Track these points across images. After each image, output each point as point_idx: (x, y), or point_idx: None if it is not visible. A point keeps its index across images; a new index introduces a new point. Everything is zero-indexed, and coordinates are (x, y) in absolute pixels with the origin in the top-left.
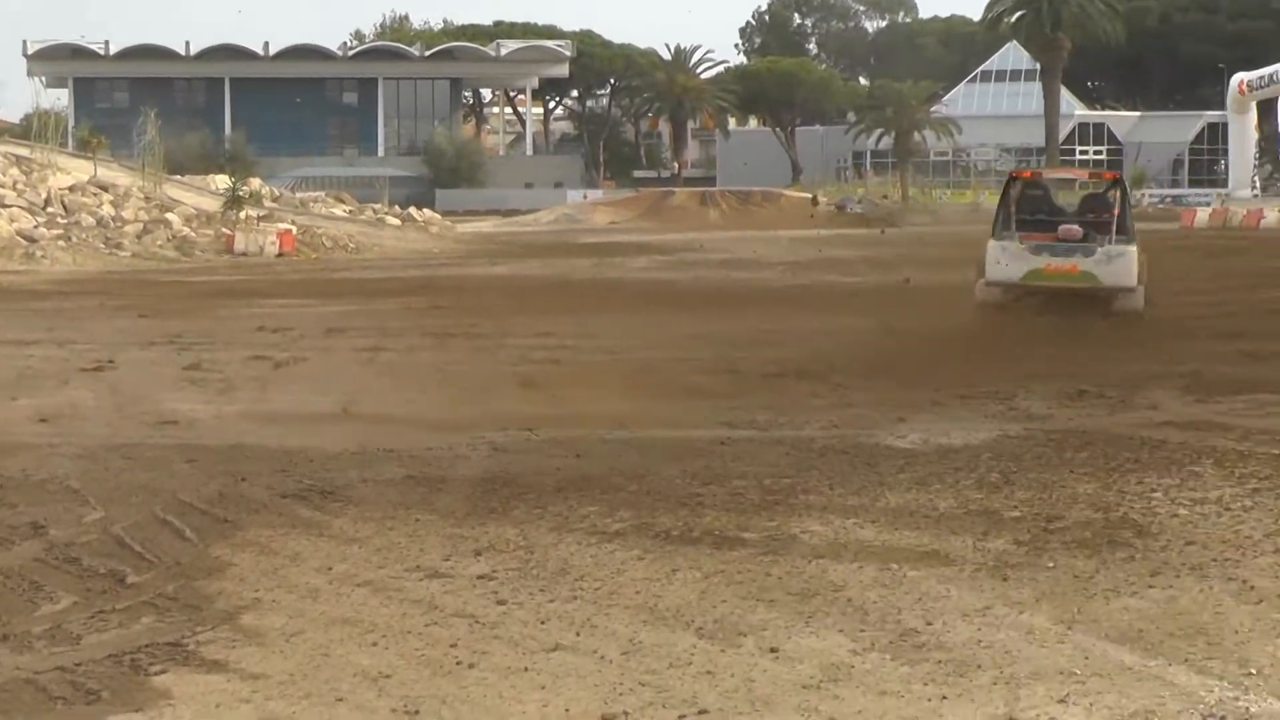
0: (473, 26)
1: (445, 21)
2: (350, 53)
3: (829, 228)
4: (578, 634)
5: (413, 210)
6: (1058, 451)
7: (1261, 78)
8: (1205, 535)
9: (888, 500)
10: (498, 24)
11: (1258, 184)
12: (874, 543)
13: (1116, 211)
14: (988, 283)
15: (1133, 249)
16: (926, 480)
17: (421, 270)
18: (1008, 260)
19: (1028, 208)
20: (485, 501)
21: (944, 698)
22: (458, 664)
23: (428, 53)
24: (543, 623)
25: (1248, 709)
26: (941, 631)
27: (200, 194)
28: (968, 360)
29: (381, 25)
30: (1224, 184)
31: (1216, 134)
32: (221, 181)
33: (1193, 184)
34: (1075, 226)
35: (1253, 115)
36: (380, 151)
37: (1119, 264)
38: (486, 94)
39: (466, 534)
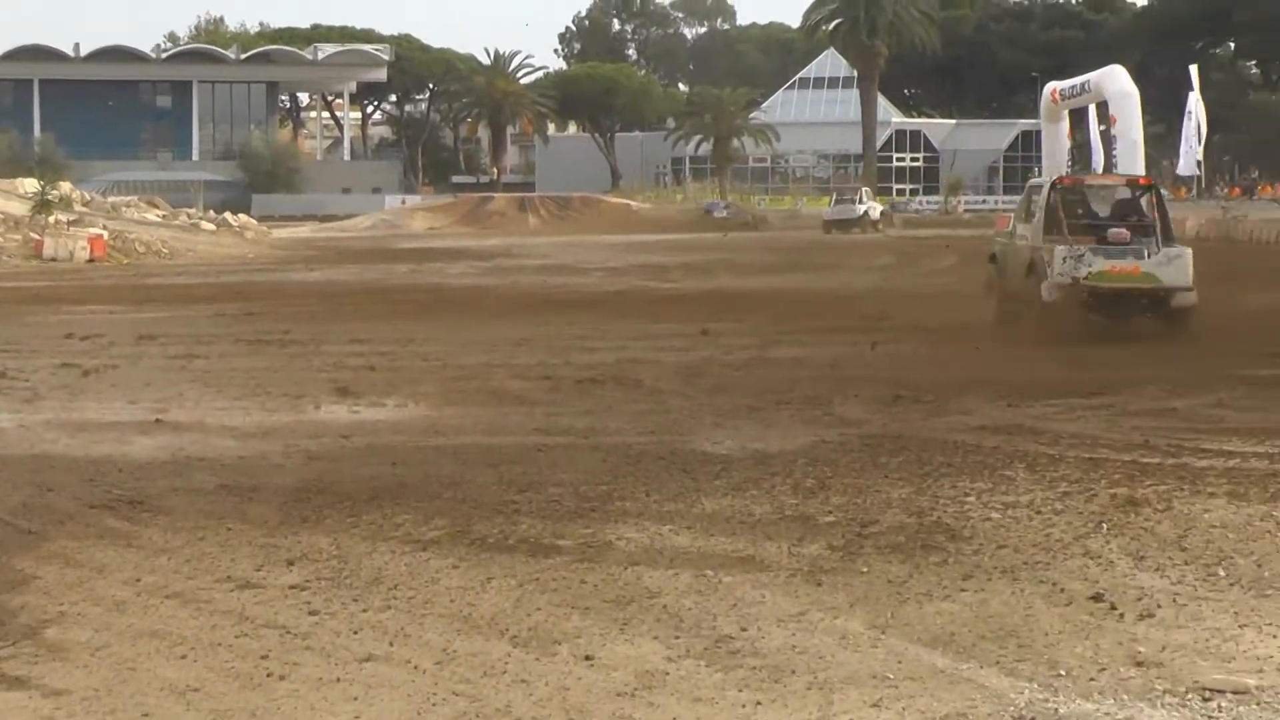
0: (289, 30)
1: (261, 25)
2: (164, 55)
3: (654, 232)
4: (391, 644)
5: (228, 215)
6: (873, 457)
7: (1073, 86)
8: (1017, 539)
9: (704, 506)
10: (315, 27)
11: None
12: (689, 549)
13: (1157, 215)
14: (1056, 285)
15: (1189, 251)
16: (742, 486)
17: (236, 276)
18: (1074, 262)
19: (1071, 213)
20: (299, 510)
21: (758, 703)
22: (268, 676)
23: (243, 56)
24: (355, 633)
25: (1057, 710)
26: (756, 637)
27: (7, 198)
28: (783, 365)
29: (196, 28)
30: None
31: (1030, 141)
32: (30, 185)
33: (1008, 191)
34: (1124, 230)
35: (1065, 123)
36: (195, 156)
37: (1178, 265)
38: (304, 98)
39: (279, 543)
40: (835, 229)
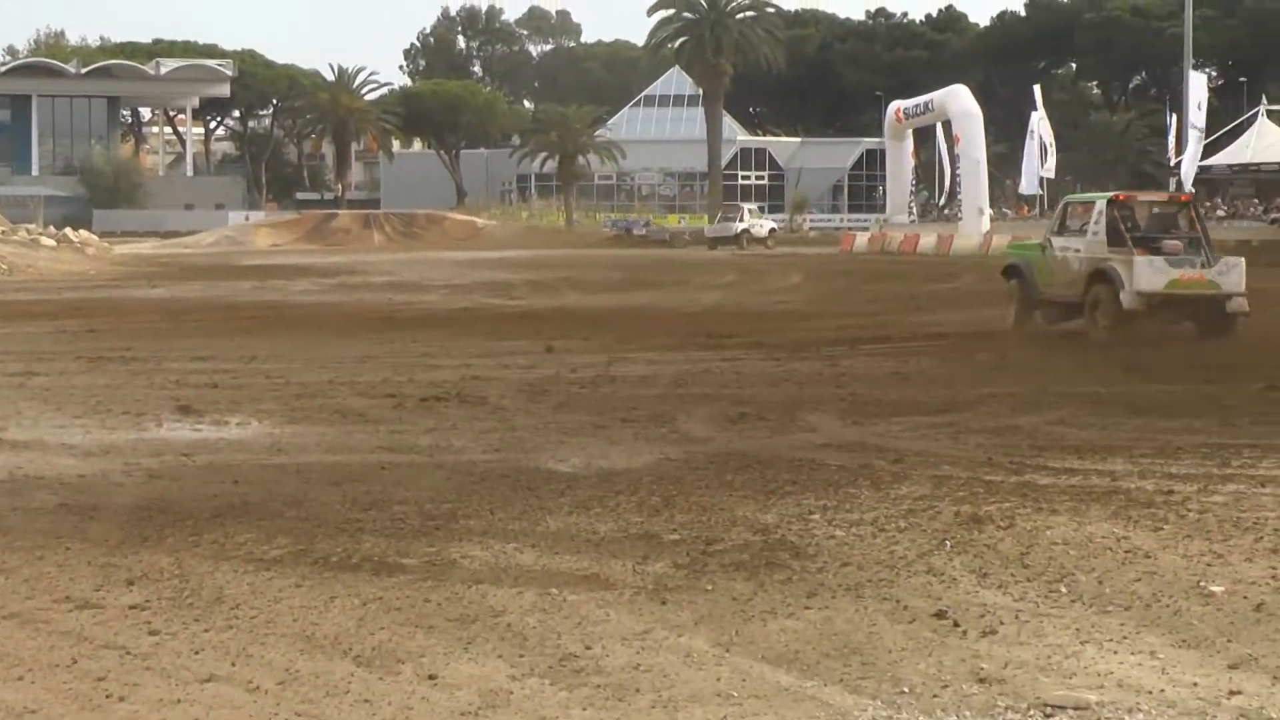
0: (131, 44)
1: (103, 39)
2: (2, 68)
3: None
4: (233, 664)
5: (69, 231)
6: (718, 474)
7: (917, 106)
8: (861, 556)
9: (548, 524)
10: (157, 42)
11: (914, 209)
12: (534, 567)
13: (1200, 228)
14: (1138, 292)
15: (1243, 261)
16: (587, 504)
17: (77, 292)
18: (1152, 273)
19: (1130, 228)
20: (139, 529)
21: None
22: (107, 697)
23: (84, 70)
24: (196, 653)
25: None
26: (600, 655)
27: None
28: (628, 382)
29: (36, 41)
30: (882, 209)
31: (875, 160)
32: None
33: (852, 209)
34: (1177, 242)
35: (909, 142)
36: (34, 171)
37: (1235, 273)
38: (146, 113)
39: (119, 563)
40: (719, 245)
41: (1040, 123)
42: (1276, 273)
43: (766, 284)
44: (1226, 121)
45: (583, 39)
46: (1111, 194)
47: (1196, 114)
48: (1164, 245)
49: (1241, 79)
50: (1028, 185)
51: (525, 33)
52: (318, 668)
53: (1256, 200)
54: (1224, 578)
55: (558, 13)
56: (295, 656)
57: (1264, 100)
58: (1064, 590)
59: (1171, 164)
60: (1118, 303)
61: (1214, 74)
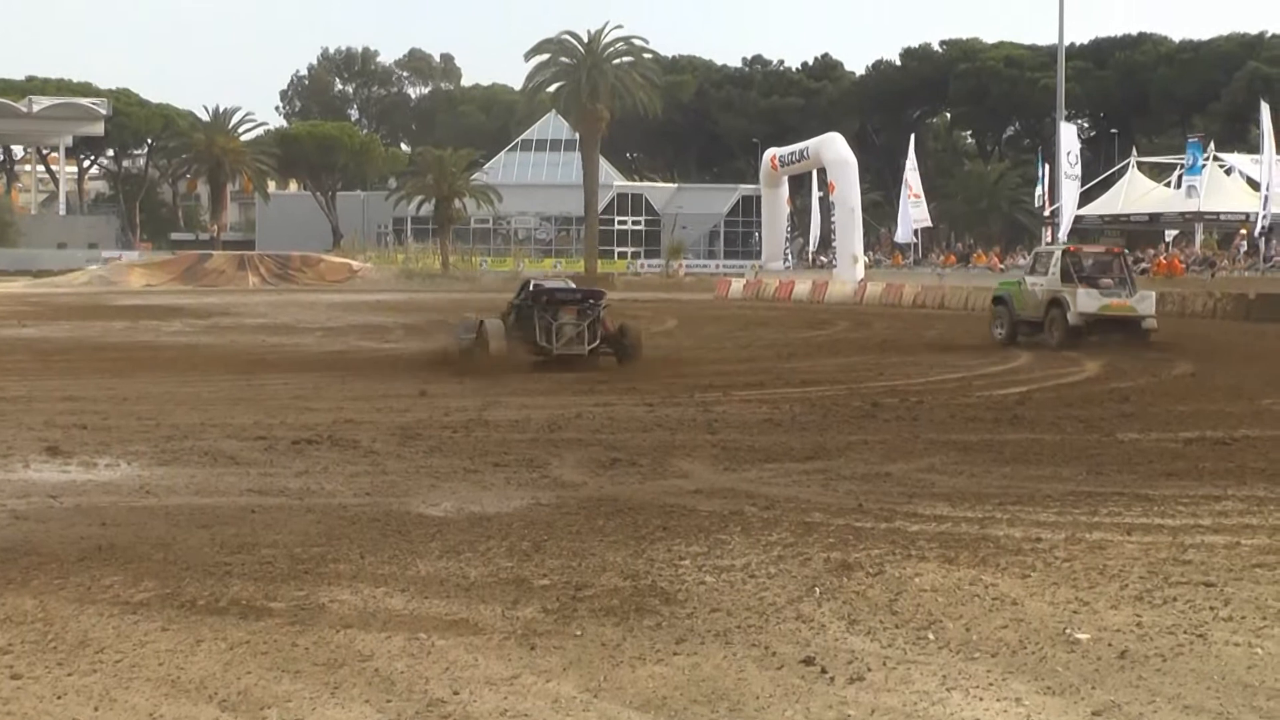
0: (4, 81)
1: None
2: None
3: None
4: (96, 708)
5: None
6: (589, 519)
7: (792, 153)
8: (730, 602)
9: (418, 569)
10: (30, 79)
11: (790, 256)
12: (403, 611)
13: (1127, 271)
14: (1080, 313)
15: (1154, 293)
16: (458, 548)
17: None
18: (1089, 300)
19: (1077, 269)
20: (3, 572)
21: None
22: None
23: None
24: (59, 697)
25: None
26: (468, 701)
27: None
28: (500, 427)
29: None
30: (758, 255)
31: (751, 206)
32: None
33: (728, 255)
34: (1109, 279)
35: (785, 189)
36: None
37: (1148, 301)
38: (18, 151)
39: None
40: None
41: (910, 173)
42: None
43: (641, 329)
44: (1098, 172)
45: (462, 81)
46: (1066, 246)
47: (1070, 164)
48: (1099, 282)
49: (1113, 130)
50: (903, 234)
51: (406, 75)
52: (182, 712)
53: (1127, 250)
54: (1089, 625)
55: (441, 56)
56: (160, 701)
57: (1134, 152)
58: (931, 637)
59: (1045, 213)
60: (1066, 320)
61: (1086, 125)
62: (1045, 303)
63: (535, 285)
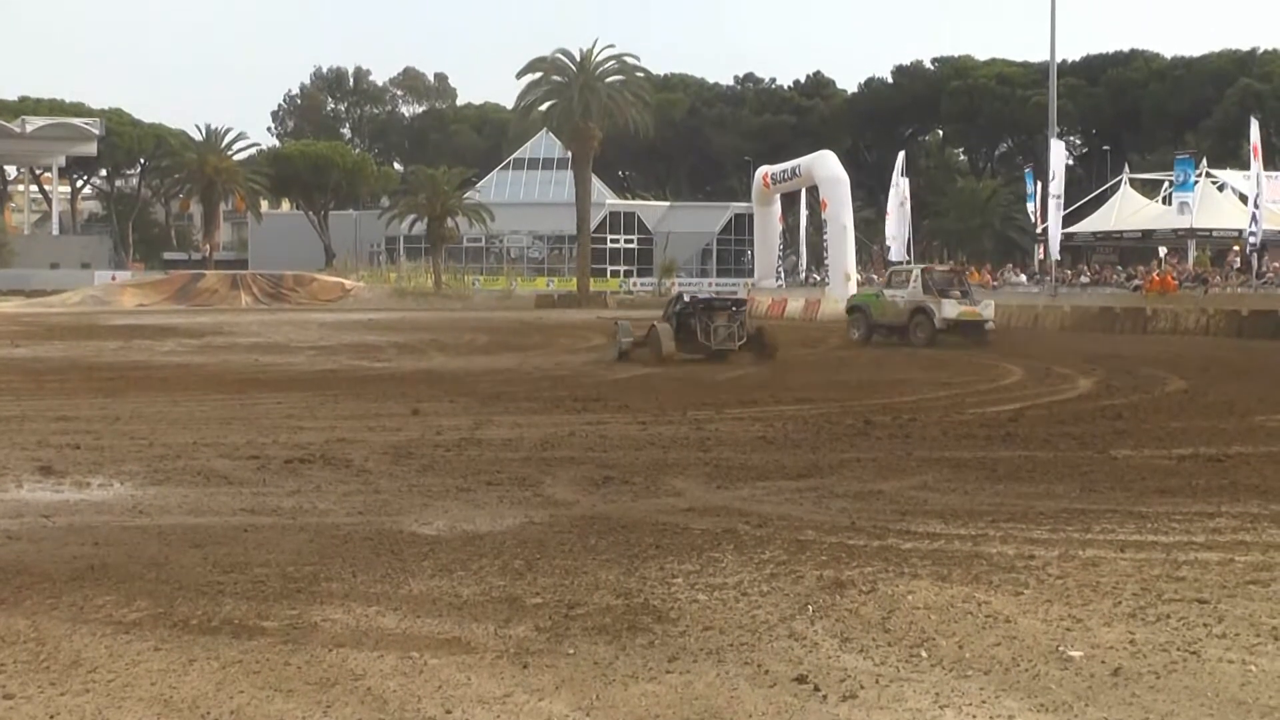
0: None
1: None
2: None
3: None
4: None
5: None
6: (581, 538)
7: (784, 171)
8: (723, 620)
9: (411, 588)
10: (23, 99)
11: (782, 274)
12: (395, 630)
13: (969, 283)
14: (944, 318)
15: (993, 301)
16: (450, 567)
17: None
18: (951, 307)
19: (934, 282)
20: None
21: None
22: None
23: None
24: (52, 717)
25: None
26: (461, 719)
27: None
28: (493, 445)
29: None
30: (751, 273)
31: (744, 224)
32: None
33: (720, 273)
34: (959, 291)
35: (777, 207)
36: None
37: (990, 308)
38: (11, 171)
39: None
40: None
41: (894, 188)
42: (1134, 340)
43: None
44: (1090, 189)
45: (456, 101)
46: (923, 265)
47: (1054, 183)
48: (950, 293)
49: (1105, 147)
50: (896, 251)
51: (399, 94)
52: None
53: (1120, 267)
54: (1083, 642)
55: (435, 75)
56: None
57: (1126, 168)
58: (924, 655)
59: (1038, 230)
60: (932, 324)
61: (1078, 142)
62: (909, 310)
63: (692, 296)
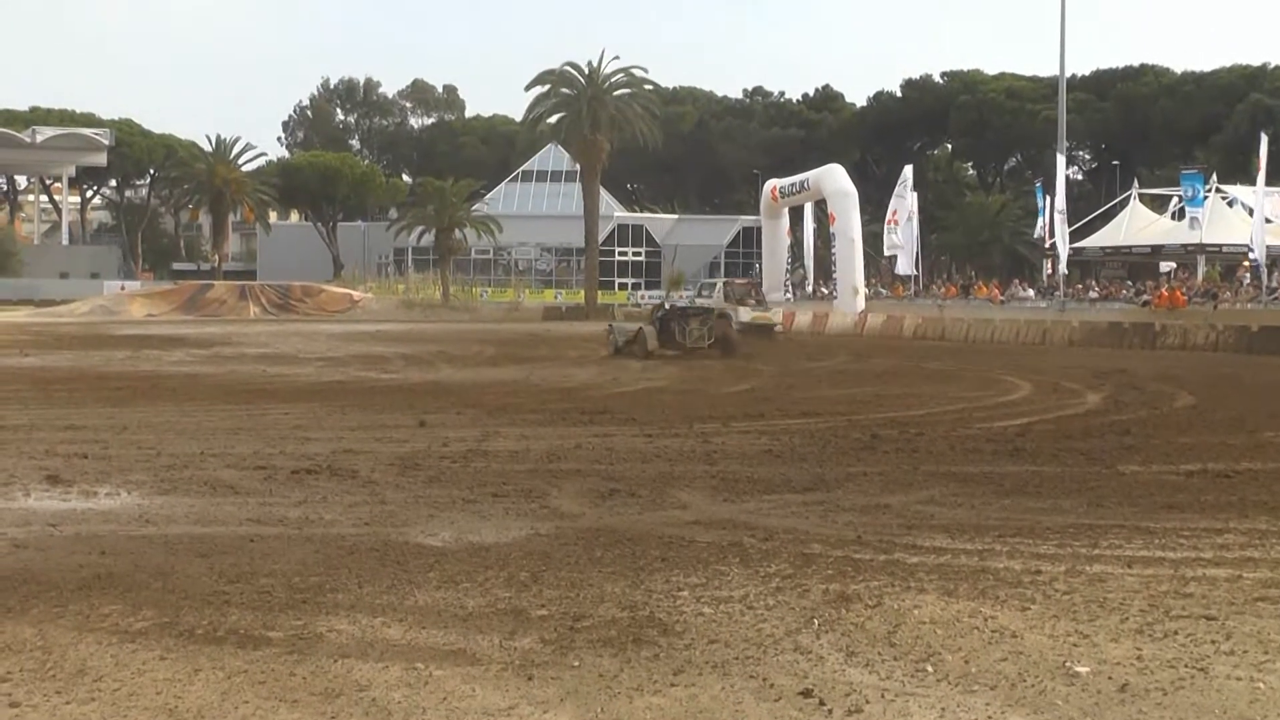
0: (7, 111)
1: None
2: None
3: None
4: None
5: None
6: (587, 550)
7: (793, 184)
8: (728, 633)
9: (416, 599)
10: (33, 109)
11: (790, 287)
12: (401, 641)
13: (760, 294)
14: (742, 322)
15: (780, 309)
16: (456, 578)
17: None
18: (747, 312)
19: (733, 293)
20: (2, 600)
21: None
22: None
23: None
24: None
25: None
26: None
27: None
28: (499, 457)
29: None
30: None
31: (752, 237)
32: None
33: None
34: (752, 300)
35: (785, 220)
36: None
37: (779, 314)
38: (22, 181)
39: None
40: None
41: (897, 199)
42: (1143, 355)
43: (641, 361)
44: (1099, 204)
45: (465, 113)
46: (724, 279)
47: (1058, 197)
48: (747, 301)
49: (1114, 162)
50: (905, 265)
51: (408, 105)
52: None
53: (1129, 282)
54: (1089, 658)
55: (445, 87)
56: None
57: (1136, 183)
58: (930, 669)
59: (1046, 245)
60: (732, 327)
61: (1088, 157)
62: (715, 316)
63: (671, 305)
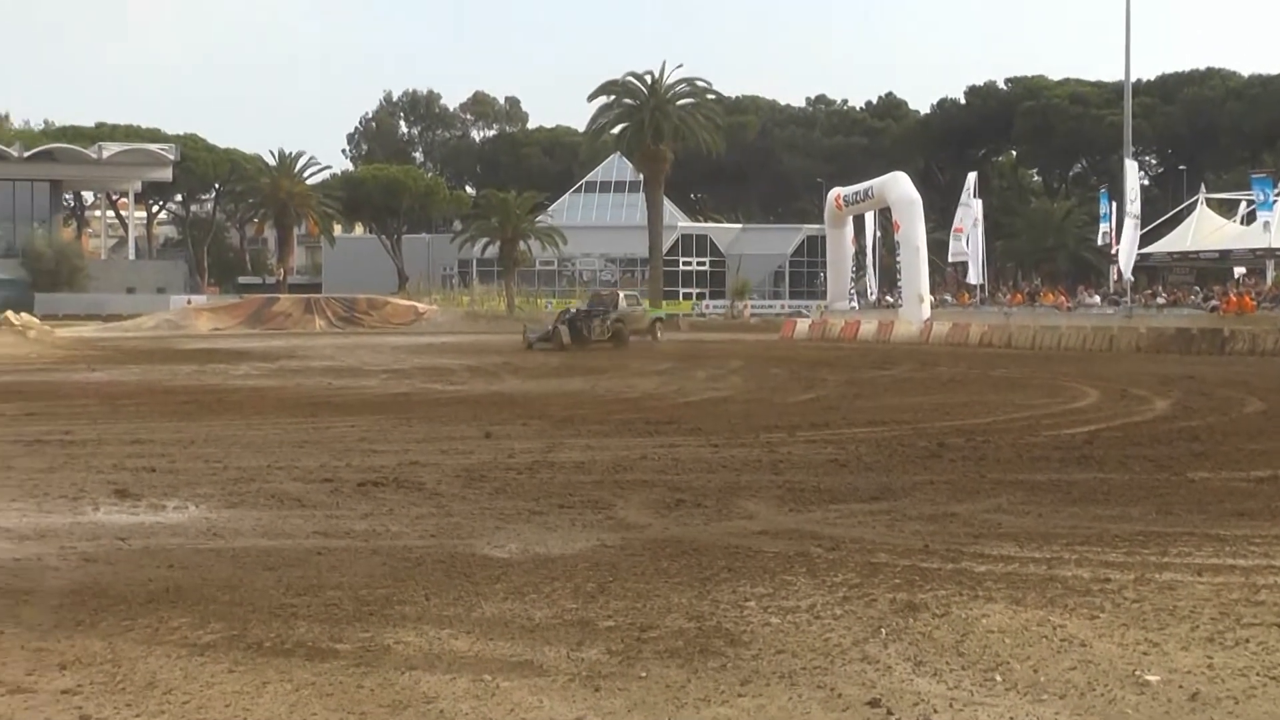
0: (74, 128)
1: (46, 122)
2: None
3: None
4: None
5: (10, 315)
6: (653, 561)
7: (857, 192)
8: (796, 643)
9: (483, 610)
10: (100, 125)
11: (855, 296)
12: (468, 653)
13: (640, 301)
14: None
15: (658, 314)
16: (522, 590)
17: (16, 375)
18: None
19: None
20: (73, 614)
21: None
22: None
23: (27, 154)
24: None
25: None
26: None
27: None
28: (565, 468)
29: None
30: (824, 295)
31: (816, 246)
32: None
33: (794, 295)
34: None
35: (849, 229)
36: None
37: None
38: (88, 196)
39: (52, 647)
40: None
41: (962, 208)
42: (1211, 361)
43: (705, 371)
44: (1166, 209)
45: (527, 125)
46: (593, 290)
47: (1130, 203)
48: (608, 309)
49: (1181, 167)
50: (974, 274)
51: (470, 118)
52: None
53: (1197, 288)
54: (1159, 667)
55: (506, 99)
56: None
57: (1203, 188)
58: (998, 679)
59: (1112, 251)
60: (624, 327)
61: (1154, 161)
62: (612, 318)
63: (578, 309)
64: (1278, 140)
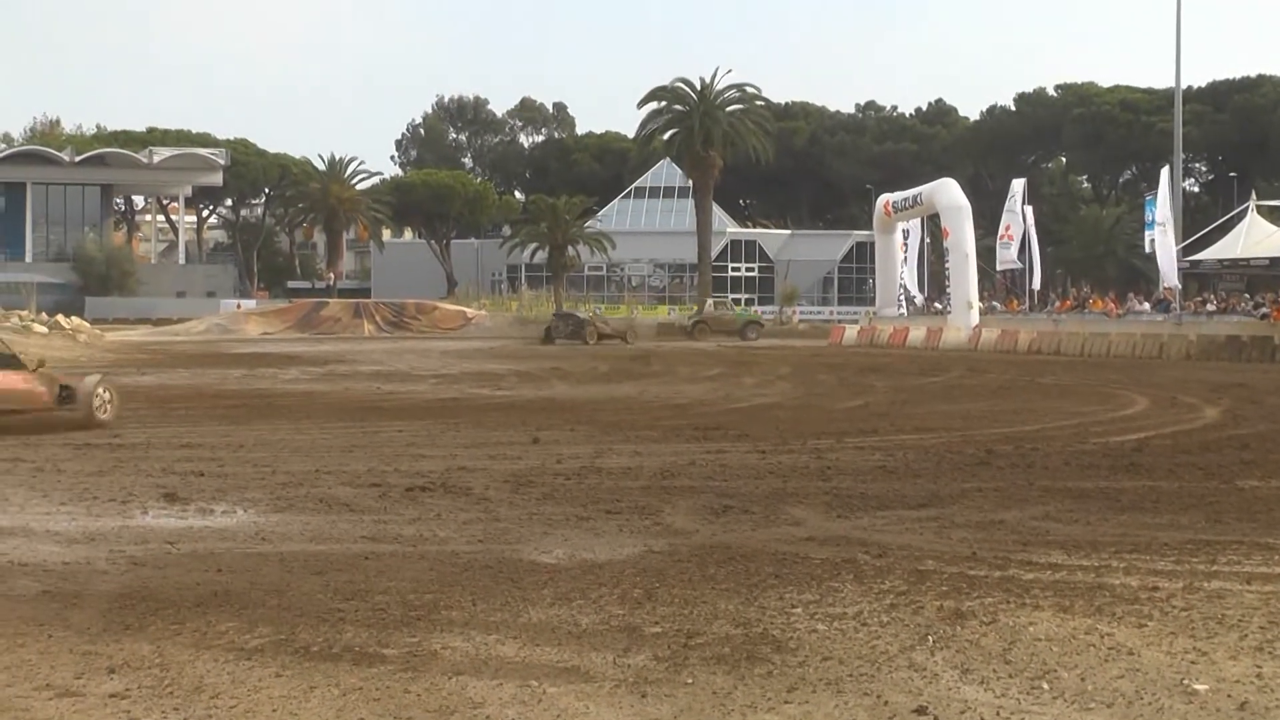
0: (125, 133)
1: (98, 127)
2: None
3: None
4: None
5: (61, 318)
6: (700, 567)
7: (906, 199)
8: (843, 650)
9: (530, 616)
10: (150, 130)
11: (903, 302)
12: (515, 659)
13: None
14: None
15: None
16: (569, 596)
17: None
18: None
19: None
20: (121, 617)
21: None
22: None
23: (79, 158)
24: None
25: None
26: None
27: None
28: (613, 474)
29: (31, 129)
30: (872, 302)
31: (865, 252)
32: None
33: (842, 301)
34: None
35: (898, 235)
36: (28, 258)
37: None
38: (139, 201)
39: (100, 651)
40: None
41: (1010, 214)
42: (1262, 369)
43: (754, 376)
44: (1216, 216)
45: (575, 130)
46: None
47: (1160, 209)
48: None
49: (1231, 174)
50: (1037, 280)
51: (518, 123)
52: None
53: (1247, 295)
54: (1208, 676)
55: (554, 105)
56: None
57: (1254, 195)
58: (1046, 687)
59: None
60: (586, 329)
61: (1204, 169)
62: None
63: (559, 313)
64: None
